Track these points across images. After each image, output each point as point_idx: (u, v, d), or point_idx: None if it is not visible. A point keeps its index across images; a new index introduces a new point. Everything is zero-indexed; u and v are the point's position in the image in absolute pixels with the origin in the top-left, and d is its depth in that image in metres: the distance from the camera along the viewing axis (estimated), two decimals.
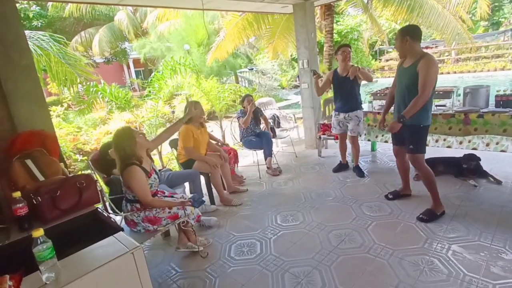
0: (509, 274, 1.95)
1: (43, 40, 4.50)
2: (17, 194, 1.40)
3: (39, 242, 1.02)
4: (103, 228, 1.45)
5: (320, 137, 4.62)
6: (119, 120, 9.37)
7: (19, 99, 2.24)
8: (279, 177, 4.11)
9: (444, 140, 3.51)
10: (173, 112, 10.43)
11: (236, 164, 4.13)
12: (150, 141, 2.51)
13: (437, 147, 3.61)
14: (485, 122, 3.08)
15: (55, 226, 1.49)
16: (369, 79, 3.62)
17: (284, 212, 3.10)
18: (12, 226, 1.46)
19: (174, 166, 5.09)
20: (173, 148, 3.66)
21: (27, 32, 4.35)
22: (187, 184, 3.33)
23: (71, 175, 1.87)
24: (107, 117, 10.16)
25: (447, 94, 3.48)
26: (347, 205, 3.10)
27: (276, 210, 3.17)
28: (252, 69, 16.05)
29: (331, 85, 3.78)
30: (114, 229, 1.38)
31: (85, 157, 6.82)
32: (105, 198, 2.26)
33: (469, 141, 3.37)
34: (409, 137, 2.64)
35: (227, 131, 5.37)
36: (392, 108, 2.87)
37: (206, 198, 3.44)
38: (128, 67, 20.86)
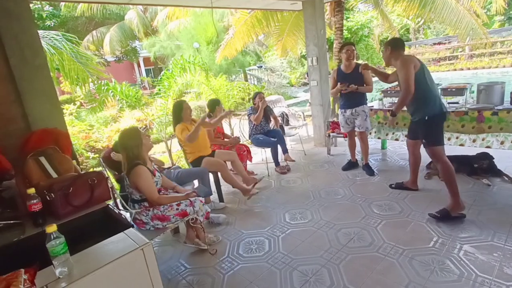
0: None
1: (56, 40, 4.59)
2: (32, 190, 1.44)
3: (52, 237, 1.05)
4: (114, 224, 1.48)
5: (329, 135, 4.59)
6: (130, 118, 9.50)
7: (33, 98, 2.30)
8: (288, 175, 4.10)
9: (457, 138, 3.44)
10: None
11: (248, 161, 4.15)
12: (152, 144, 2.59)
13: (449, 145, 3.54)
14: (500, 120, 3.00)
15: (68, 222, 1.53)
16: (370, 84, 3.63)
17: (293, 210, 3.10)
18: (27, 222, 1.50)
19: (184, 164, 5.14)
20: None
21: (40, 32, 4.45)
22: (196, 182, 3.36)
23: (83, 172, 1.91)
24: (118, 115, 10.31)
25: (460, 91, 3.39)
26: (356, 204, 3.07)
27: (285, 208, 3.17)
28: (261, 66, 16.02)
29: (336, 79, 3.77)
30: (125, 225, 1.41)
31: (97, 155, 6.95)
32: (116, 195, 2.29)
33: (483, 139, 3.29)
34: (421, 132, 2.70)
35: (236, 128, 5.39)
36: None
37: (214, 195, 3.48)
38: (139, 66, 21.09)
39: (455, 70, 15.95)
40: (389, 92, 4.07)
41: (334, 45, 8.45)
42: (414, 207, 2.86)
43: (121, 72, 17.47)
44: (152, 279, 1.24)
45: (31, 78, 2.29)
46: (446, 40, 18.12)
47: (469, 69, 15.57)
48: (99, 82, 5.04)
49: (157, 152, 7.74)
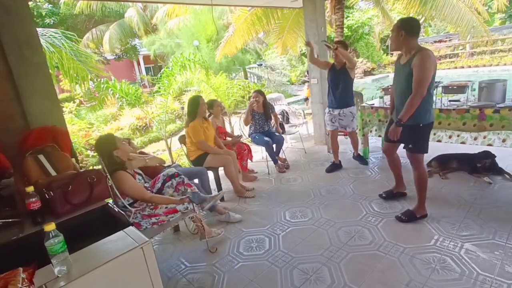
0: None
1: (55, 38, 4.57)
2: (30, 188, 1.42)
3: (51, 236, 1.04)
4: (113, 223, 1.47)
5: (329, 133, 4.57)
6: (130, 116, 9.50)
7: (32, 95, 2.28)
8: (288, 173, 4.09)
9: (458, 136, 3.43)
10: (183, 108, 10.49)
11: (249, 160, 4.13)
12: (135, 146, 2.60)
13: (450, 143, 3.53)
14: (502, 118, 2.98)
15: (67, 220, 1.52)
16: (350, 59, 3.57)
17: (293, 208, 3.09)
18: (26, 220, 1.49)
19: (184, 162, 5.13)
20: (182, 144, 3.68)
21: (40, 29, 4.43)
22: (196, 181, 3.35)
23: (82, 170, 1.90)
24: (118, 113, 10.30)
25: (461, 88, 3.36)
26: (356, 202, 3.06)
27: (285, 206, 3.16)
28: (261, 64, 15.98)
29: (327, 76, 3.83)
30: (124, 223, 1.40)
31: (96, 153, 6.95)
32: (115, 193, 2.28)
33: (484, 137, 3.28)
34: (409, 136, 2.49)
35: (236, 126, 5.37)
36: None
37: (215, 193, 3.47)
38: (138, 64, 21.06)
39: (455, 68, 15.92)
40: (389, 89, 4.04)
41: None
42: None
43: (121, 70, 17.43)
44: (152, 278, 1.23)
45: (30, 76, 2.27)
46: (447, 37, 18.09)
47: (470, 67, 15.54)
48: (99, 80, 5.02)
49: (157, 150, 7.74)
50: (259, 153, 4.80)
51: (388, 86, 4.16)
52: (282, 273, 2.18)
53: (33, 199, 1.43)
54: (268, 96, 6.59)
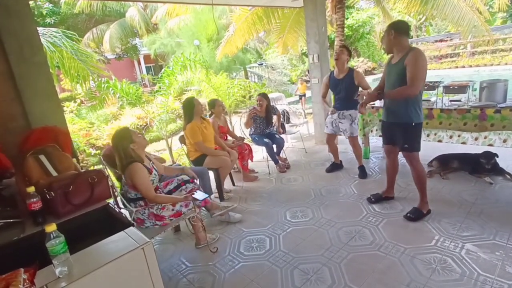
0: None
1: (56, 37, 4.56)
2: (31, 189, 1.42)
3: (52, 237, 1.04)
4: (114, 223, 1.47)
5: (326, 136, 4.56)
6: (130, 115, 9.50)
7: (32, 95, 2.29)
8: (289, 173, 4.09)
9: (459, 136, 3.42)
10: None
11: (249, 160, 4.13)
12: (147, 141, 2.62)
13: (451, 143, 3.52)
14: (503, 118, 2.98)
15: (68, 220, 1.52)
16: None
17: (294, 208, 3.09)
18: (27, 220, 1.49)
19: (184, 161, 5.14)
20: (182, 144, 3.68)
21: (40, 29, 4.43)
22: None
23: (83, 170, 1.90)
24: (119, 112, 10.31)
25: (462, 88, 3.36)
26: (357, 202, 3.06)
27: (286, 206, 3.16)
28: (262, 64, 15.98)
29: (328, 82, 3.74)
30: (125, 224, 1.40)
31: (98, 152, 6.96)
32: (116, 193, 2.29)
33: (485, 137, 3.27)
34: (403, 136, 2.56)
35: (237, 126, 5.37)
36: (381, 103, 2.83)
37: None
38: (139, 63, 21.07)
39: (456, 67, 15.90)
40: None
41: (336, 43, 8.41)
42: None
43: (121, 70, 17.43)
44: (153, 279, 1.23)
45: (30, 76, 2.27)
46: (447, 37, 18.05)
47: (470, 66, 15.53)
48: (99, 79, 5.02)
49: (158, 150, 7.74)
50: (259, 153, 4.80)
51: None
52: (282, 273, 2.18)
53: (34, 200, 1.44)
54: (269, 96, 6.59)
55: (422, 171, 2.66)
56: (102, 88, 4.90)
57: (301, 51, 13.82)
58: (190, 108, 3.33)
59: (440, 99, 3.42)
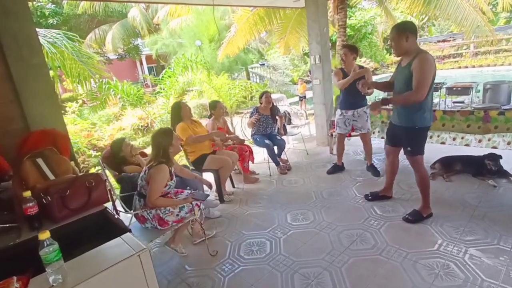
0: None
1: (57, 38, 4.57)
2: (28, 193, 1.41)
3: (45, 244, 1.02)
4: (111, 228, 1.45)
5: (331, 134, 4.54)
6: (132, 116, 9.49)
7: (31, 97, 2.27)
8: (290, 174, 4.06)
9: (462, 138, 3.38)
10: None
11: (250, 162, 4.10)
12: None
13: (454, 145, 3.48)
14: (507, 120, 2.94)
15: (65, 225, 1.50)
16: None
17: (295, 211, 3.06)
18: (23, 225, 1.47)
19: (184, 163, 5.11)
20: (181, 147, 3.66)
21: (41, 30, 4.44)
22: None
23: (81, 173, 1.88)
24: (120, 113, 10.31)
25: (465, 90, 3.32)
26: (359, 205, 3.03)
27: (286, 209, 3.13)
28: (264, 64, 15.95)
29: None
30: (122, 230, 1.38)
31: (99, 153, 6.95)
32: (114, 197, 2.27)
33: (489, 140, 3.23)
34: (406, 139, 2.55)
35: (238, 127, 5.35)
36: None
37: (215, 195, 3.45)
38: (141, 63, 21.10)
39: (459, 68, 15.79)
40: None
41: (337, 43, 8.38)
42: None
43: (123, 70, 17.47)
44: (149, 286, 1.21)
45: (29, 78, 2.26)
46: (450, 37, 17.93)
47: (473, 67, 15.42)
48: (101, 80, 5.02)
49: None
50: (260, 154, 4.77)
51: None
52: (283, 278, 2.15)
53: (30, 204, 1.42)
54: None
55: (425, 175, 2.63)
56: (103, 89, 4.90)
57: (303, 51, 13.77)
58: (178, 111, 3.34)
59: (443, 100, 3.38)
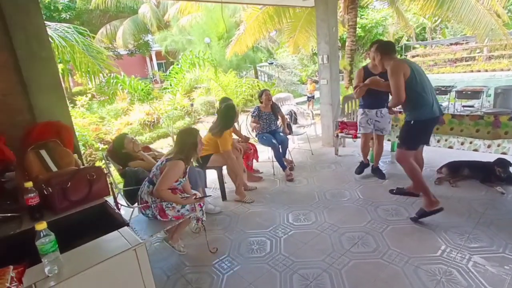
0: None
1: (68, 32, 4.62)
2: (29, 184, 1.42)
3: (41, 235, 1.03)
4: (110, 221, 1.46)
5: (337, 135, 4.50)
6: (139, 111, 9.58)
7: (38, 89, 2.30)
8: (294, 174, 4.02)
9: (471, 143, 3.31)
10: (192, 105, 10.51)
11: (254, 160, 4.09)
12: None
13: (462, 150, 3.41)
14: None
15: (65, 217, 1.51)
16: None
17: (297, 211, 3.04)
18: (25, 215, 1.49)
19: None
20: None
21: (52, 24, 4.49)
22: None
23: (84, 166, 1.90)
24: (128, 108, 10.41)
25: (476, 94, 3.24)
26: (362, 207, 3.00)
27: (289, 209, 3.11)
28: (272, 63, 15.90)
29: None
30: (120, 223, 1.38)
31: (106, 146, 7.04)
32: (115, 191, 2.28)
33: (498, 145, 3.16)
34: (402, 132, 2.73)
35: (243, 125, 5.34)
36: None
37: (218, 193, 3.45)
38: (151, 59, 21.22)
39: (471, 71, 15.48)
40: None
41: (347, 43, 8.30)
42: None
43: (133, 66, 17.61)
44: (144, 280, 1.21)
45: (37, 70, 2.29)
46: (463, 40, 17.57)
47: (486, 71, 15.10)
48: (109, 75, 5.07)
49: (165, 146, 7.78)
50: (265, 153, 4.76)
51: None
52: (281, 278, 2.14)
53: (32, 195, 1.44)
54: (277, 96, 6.54)
55: (412, 167, 2.65)
56: (111, 84, 4.94)
57: (313, 51, 13.67)
58: (232, 116, 3.34)
59: (452, 104, 3.32)
